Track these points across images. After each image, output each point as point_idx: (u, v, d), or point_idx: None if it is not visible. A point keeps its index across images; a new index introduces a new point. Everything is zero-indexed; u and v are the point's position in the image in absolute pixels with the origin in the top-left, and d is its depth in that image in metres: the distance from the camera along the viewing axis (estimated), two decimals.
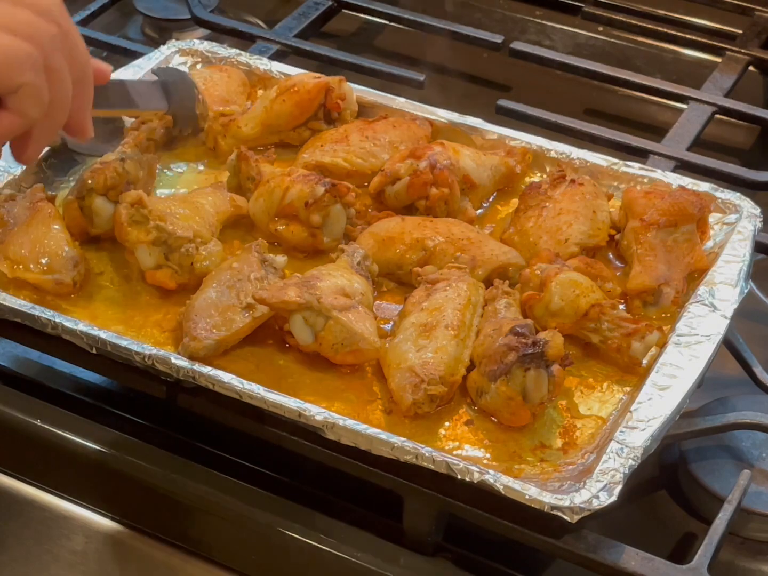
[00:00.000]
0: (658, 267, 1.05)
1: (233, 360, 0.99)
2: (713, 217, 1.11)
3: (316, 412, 0.91)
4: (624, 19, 1.50)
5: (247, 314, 0.99)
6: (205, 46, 1.30)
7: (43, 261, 1.03)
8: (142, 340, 0.98)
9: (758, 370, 1.04)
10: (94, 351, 0.97)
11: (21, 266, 1.03)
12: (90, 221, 1.08)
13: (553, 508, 0.85)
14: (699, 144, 1.29)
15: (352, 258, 1.04)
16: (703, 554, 0.87)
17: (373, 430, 0.90)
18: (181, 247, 1.04)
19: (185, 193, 1.13)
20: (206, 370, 0.94)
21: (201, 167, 1.19)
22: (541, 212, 1.10)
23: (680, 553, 0.94)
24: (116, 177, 1.07)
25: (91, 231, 1.08)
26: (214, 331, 0.98)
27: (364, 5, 1.49)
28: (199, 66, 1.28)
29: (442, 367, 0.95)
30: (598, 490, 0.86)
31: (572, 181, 1.11)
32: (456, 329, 0.97)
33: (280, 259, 1.04)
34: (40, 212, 1.07)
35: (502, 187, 1.17)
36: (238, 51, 1.30)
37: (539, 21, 1.58)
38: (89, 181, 1.07)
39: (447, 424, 0.95)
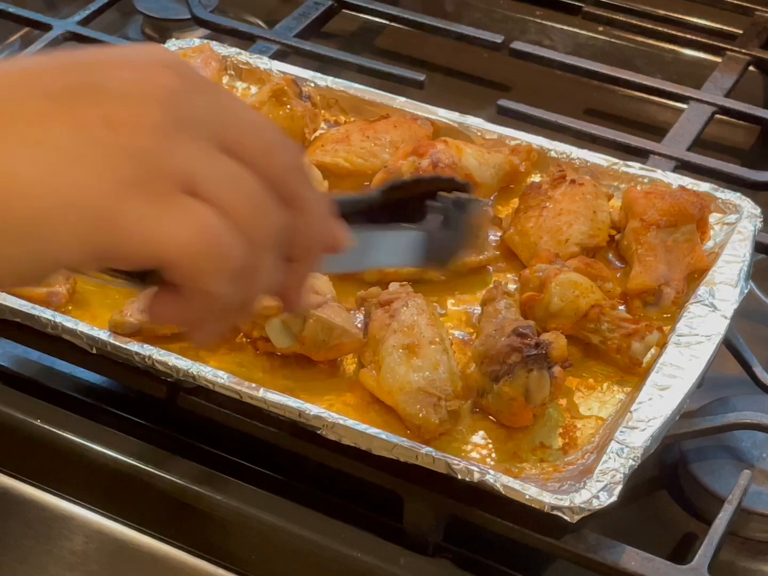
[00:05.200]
0: (658, 267, 1.05)
1: (233, 362, 0.99)
2: (713, 217, 1.11)
3: (316, 412, 0.91)
4: (624, 19, 1.50)
5: None
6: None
7: None
8: None
9: (758, 370, 1.04)
10: (94, 351, 0.97)
11: None
12: None
13: (553, 508, 0.85)
14: (699, 144, 1.29)
15: None
16: (703, 554, 0.87)
17: (373, 430, 0.89)
18: None
19: None
20: (206, 370, 0.94)
21: None
22: (542, 212, 1.10)
23: (680, 553, 0.94)
24: None
25: None
26: (144, 313, 0.97)
27: (364, 5, 1.49)
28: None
29: (448, 382, 0.94)
30: (599, 490, 0.86)
31: (572, 181, 1.11)
32: (440, 343, 0.97)
33: None
34: None
35: (505, 186, 1.17)
36: (238, 50, 1.30)
37: (539, 21, 1.58)
38: None
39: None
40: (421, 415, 0.92)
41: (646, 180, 1.14)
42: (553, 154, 1.17)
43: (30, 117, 0.56)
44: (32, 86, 0.57)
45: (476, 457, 0.92)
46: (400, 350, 0.96)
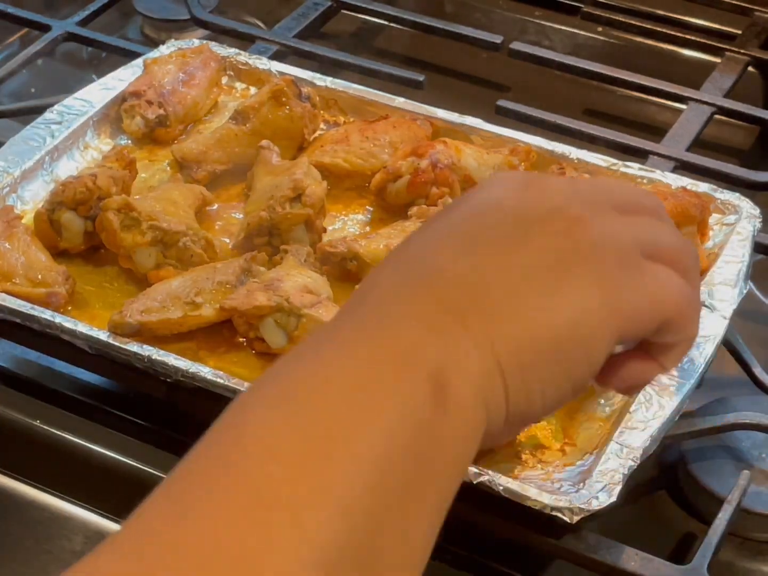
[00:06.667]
0: None
1: (232, 361, 0.99)
2: (712, 218, 1.11)
3: None
4: (623, 20, 1.50)
5: (183, 310, 0.98)
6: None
7: (34, 275, 1.02)
8: None
9: (758, 371, 1.04)
10: (93, 352, 0.97)
11: (8, 282, 1.02)
12: (59, 235, 1.07)
13: (553, 509, 0.85)
14: (698, 144, 1.29)
15: (297, 257, 1.03)
16: (702, 554, 0.87)
17: None
18: (178, 242, 1.04)
19: (151, 195, 1.11)
20: (206, 370, 0.94)
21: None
22: None
23: (680, 554, 0.94)
24: (86, 192, 1.06)
25: (60, 245, 1.08)
26: (143, 314, 0.98)
27: (364, 5, 1.49)
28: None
29: None
30: (598, 490, 0.86)
31: (571, 178, 1.11)
32: None
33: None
34: (16, 230, 1.05)
35: None
36: (237, 50, 1.30)
37: (538, 21, 1.57)
38: (58, 195, 1.06)
39: None
40: None
41: (645, 180, 1.14)
42: (552, 154, 1.17)
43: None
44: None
45: (475, 458, 0.92)
46: None
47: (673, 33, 1.49)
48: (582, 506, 0.84)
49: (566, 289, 0.61)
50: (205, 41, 1.32)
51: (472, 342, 0.58)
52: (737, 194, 1.13)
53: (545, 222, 0.62)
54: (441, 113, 1.22)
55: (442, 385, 0.56)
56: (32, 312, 0.98)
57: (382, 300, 0.60)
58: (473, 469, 0.86)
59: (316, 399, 0.56)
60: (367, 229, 1.13)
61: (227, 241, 1.10)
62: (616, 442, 0.89)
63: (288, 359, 0.59)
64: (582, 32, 1.55)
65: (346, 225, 1.14)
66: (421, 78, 1.35)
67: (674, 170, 1.21)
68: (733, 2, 1.51)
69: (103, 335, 0.97)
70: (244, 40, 1.41)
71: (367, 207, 1.16)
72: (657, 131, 1.34)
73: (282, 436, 0.55)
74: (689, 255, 0.68)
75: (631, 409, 0.92)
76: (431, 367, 0.57)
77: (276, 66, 1.28)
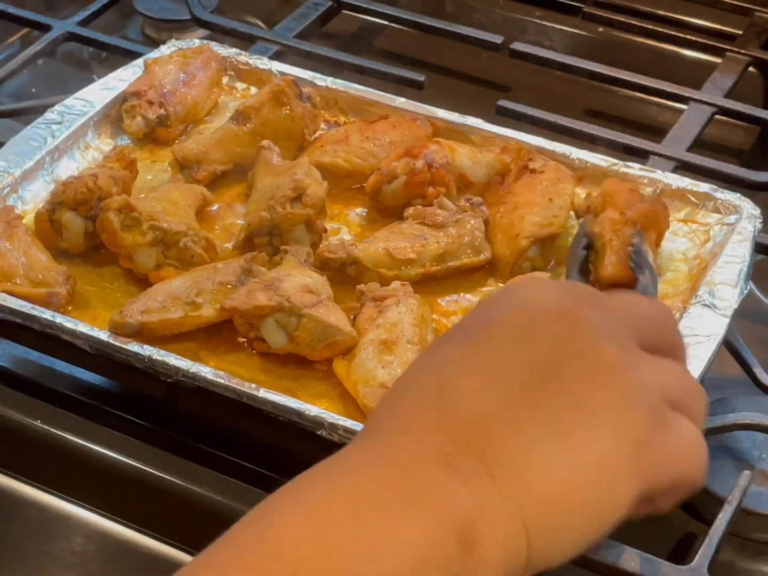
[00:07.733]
0: (629, 263, 1.03)
1: (233, 362, 0.99)
2: (713, 218, 1.11)
3: (316, 412, 0.91)
4: (624, 20, 1.50)
5: (183, 310, 0.98)
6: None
7: (35, 275, 1.02)
8: None
9: (758, 371, 1.04)
10: (93, 352, 0.97)
11: (9, 282, 1.02)
12: (60, 235, 1.07)
13: None
14: (699, 144, 1.29)
15: (298, 257, 1.03)
16: (703, 555, 0.87)
17: None
18: (179, 242, 1.04)
19: (151, 195, 1.12)
20: (206, 370, 0.94)
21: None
22: (499, 209, 1.09)
23: (680, 554, 0.94)
24: (87, 192, 1.06)
25: (61, 245, 1.08)
26: (144, 314, 0.98)
27: (364, 6, 1.49)
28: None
29: None
30: None
31: (532, 170, 1.10)
32: (417, 344, 0.97)
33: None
34: (17, 230, 1.05)
35: None
36: (237, 51, 1.30)
37: (539, 21, 1.57)
38: (59, 195, 1.06)
39: None
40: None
41: (645, 180, 1.14)
42: (552, 154, 1.17)
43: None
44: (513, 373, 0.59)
45: None
46: (377, 345, 0.96)
47: (673, 33, 1.49)
48: None
49: (596, 446, 0.58)
50: (205, 41, 1.32)
51: (502, 499, 0.56)
52: (738, 194, 1.13)
53: (580, 365, 0.59)
54: (441, 113, 1.22)
55: (469, 543, 0.54)
56: (33, 312, 0.98)
57: (399, 429, 0.59)
58: None
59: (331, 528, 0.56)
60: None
61: (228, 246, 1.10)
62: None
63: (302, 481, 0.62)
64: (582, 32, 1.55)
65: (346, 225, 1.14)
66: (421, 78, 1.35)
67: (675, 170, 1.21)
68: (734, 2, 1.51)
69: (103, 335, 0.97)
70: (245, 41, 1.41)
71: (365, 208, 1.16)
72: (657, 131, 1.34)
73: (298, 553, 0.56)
74: (703, 401, 0.65)
75: None
76: (458, 519, 0.54)
77: (276, 66, 1.28)
